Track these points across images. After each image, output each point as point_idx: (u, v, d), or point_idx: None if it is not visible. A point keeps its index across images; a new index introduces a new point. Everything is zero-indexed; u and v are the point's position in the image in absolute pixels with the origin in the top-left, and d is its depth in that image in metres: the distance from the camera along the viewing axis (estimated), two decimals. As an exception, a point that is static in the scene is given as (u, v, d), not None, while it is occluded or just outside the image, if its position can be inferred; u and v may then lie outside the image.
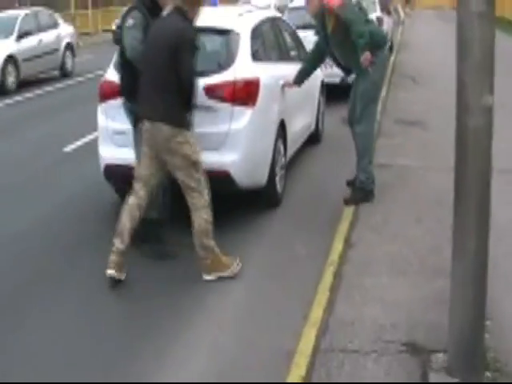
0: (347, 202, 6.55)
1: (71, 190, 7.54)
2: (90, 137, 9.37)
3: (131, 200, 5.22)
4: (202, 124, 6.03)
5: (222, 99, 6.08)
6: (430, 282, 4.88)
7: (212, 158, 6.05)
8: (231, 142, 6.10)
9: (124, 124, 6.18)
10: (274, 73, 6.93)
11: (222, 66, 6.23)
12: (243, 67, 6.25)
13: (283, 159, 7.01)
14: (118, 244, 5.13)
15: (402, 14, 26.39)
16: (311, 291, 4.86)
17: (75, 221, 6.61)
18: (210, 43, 6.47)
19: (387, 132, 9.46)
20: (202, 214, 5.10)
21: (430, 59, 17.36)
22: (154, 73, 5.05)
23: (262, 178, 6.44)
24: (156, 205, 5.51)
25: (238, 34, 6.39)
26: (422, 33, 26.02)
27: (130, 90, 5.46)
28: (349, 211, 6.38)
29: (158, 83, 5.05)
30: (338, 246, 5.59)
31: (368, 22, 6.61)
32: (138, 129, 5.48)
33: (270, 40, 7.48)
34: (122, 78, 5.80)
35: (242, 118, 6.13)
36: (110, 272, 5.10)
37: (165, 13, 5.24)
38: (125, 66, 5.68)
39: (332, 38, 6.51)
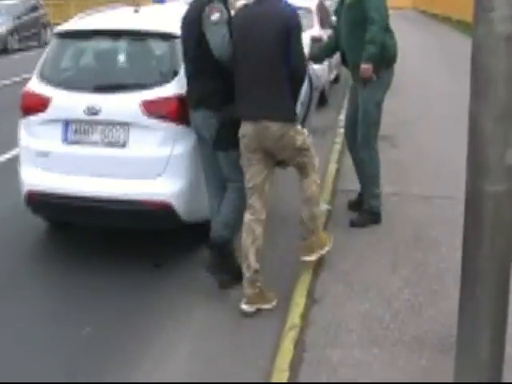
0: (354, 225, 5.84)
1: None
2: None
3: (247, 217, 4.64)
4: (139, 147, 5.05)
5: (164, 118, 5.06)
6: (414, 358, 3.94)
7: (150, 188, 5.08)
8: (173, 168, 5.11)
9: (49, 144, 5.17)
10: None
11: (164, 78, 5.19)
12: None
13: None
14: (246, 271, 4.57)
15: None
16: (267, 365, 3.89)
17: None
18: (150, 50, 5.45)
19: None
20: (314, 177, 4.77)
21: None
22: (256, 66, 4.46)
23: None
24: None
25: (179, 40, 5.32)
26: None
27: (213, 95, 4.70)
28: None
29: (262, 76, 4.47)
30: (299, 301, 4.61)
31: (388, 30, 5.52)
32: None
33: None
34: (195, 86, 4.84)
35: (187, 140, 5.11)
36: (244, 307, 4.57)
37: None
38: (205, 69, 4.71)
39: (345, 15, 5.49)
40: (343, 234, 5.61)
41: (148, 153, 5.10)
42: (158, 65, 5.33)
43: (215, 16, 4.52)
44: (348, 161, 6.64)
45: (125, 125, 5.11)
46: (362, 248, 5.45)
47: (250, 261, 4.54)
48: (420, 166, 7.66)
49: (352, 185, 6.45)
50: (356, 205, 6.15)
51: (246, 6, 4.71)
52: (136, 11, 5.82)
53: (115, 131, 5.15)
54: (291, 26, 4.45)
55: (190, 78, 4.86)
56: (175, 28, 5.28)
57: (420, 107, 10.89)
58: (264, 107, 4.47)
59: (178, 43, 5.18)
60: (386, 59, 5.52)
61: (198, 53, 4.67)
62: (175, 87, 5.09)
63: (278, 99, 4.49)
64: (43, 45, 21.32)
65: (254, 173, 4.60)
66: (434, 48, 19.34)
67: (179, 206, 5.12)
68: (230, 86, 4.60)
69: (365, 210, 5.95)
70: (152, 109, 5.05)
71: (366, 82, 5.52)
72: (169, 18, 5.68)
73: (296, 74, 4.53)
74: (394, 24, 6.12)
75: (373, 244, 5.53)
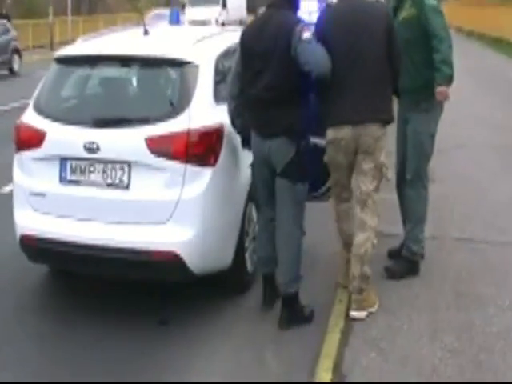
0: (392, 276, 5.20)
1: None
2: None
3: (342, 206, 4.86)
4: (143, 189, 4.47)
5: (172, 156, 4.46)
6: None
7: (156, 235, 4.51)
8: (182, 214, 4.49)
9: (44, 184, 4.64)
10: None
11: (172, 111, 4.56)
12: (202, 112, 4.60)
13: (255, 226, 5.35)
14: (352, 280, 4.61)
15: None
16: None
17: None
18: (158, 78, 4.85)
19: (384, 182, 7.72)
20: (371, 236, 4.58)
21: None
22: (362, 69, 4.44)
23: (225, 259, 4.81)
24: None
25: (196, 67, 4.71)
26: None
27: (299, 122, 4.44)
28: (341, 308, 4.74)
29: (368, 79, 4.46)
30: (323, 375, 3.94)
31: (451, 47, 4.88)
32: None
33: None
34: (274, 114, 4.43)
35: (199, 182, 4.50)
36: (354, 314, 4.55)
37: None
38: (289, 95, 4.40)
39: (399, 31, 4.80)
40: (376, 287, 4.91)
41: (153, 196, 4.50)
42: (167, 95, 4.69)
43: (307, 34, 4.29)
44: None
45: (127, 164, 4.52)
46: (397, 307, 4.75)
47: (353, 271, 4.56)
48: (461, 203, 6.93)
49: (393, 228, 5.73)
50: (396, 254, 5.45)
51: (329, 6, 4.73)
52: (146, 33, 5.22)
53: (117, 171, 4.55)
54: (391, 23, 4.58)
55: (265, 105, 4.43)
56: (188, 52, 4.71)
57: (458, 134, 10.02)
58: (368, 109, 4.46)
59: (192, 70, 4.64)
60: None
61: (282, 78, 4.35)
62: (185, 121, 4.48)
63: (382, 100, 4.53)
64: (16, 74, 20.55)
65: (342, 177, 4.72)
66: (471, 68, 18.32)
67: (189, 257, 4.50)
68: (315, 110, 4.52)
69: (403, 257, 5.28)
70: (158, 146, 4.45)
71: (426, 110, 5.00)
72: (182, 40, 5.11)
73: (397, 74, 4.61)
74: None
75: (409, 301, 4.83)
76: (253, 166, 4.73)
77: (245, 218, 5.01)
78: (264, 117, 4.47)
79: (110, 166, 4.55)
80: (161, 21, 17.54)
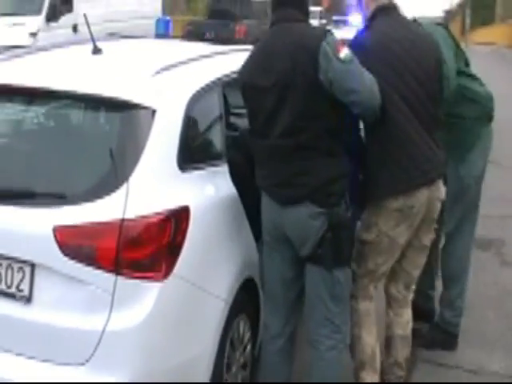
0: (424, 344, 4.21)
1: None
2: None
3: (366, 305, 3.47)
4: (53, 306, 2.74)
5: (94, 261, 2.72)
6: None
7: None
8: (109, 353, 2.76)
9: None
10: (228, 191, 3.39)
11: (100, 185, 2.82)
12: (150, 187, 2.84)
13: (247, 348, 3.58)
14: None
15: None
16: None
17: None
18: (80, 130, 3.10)
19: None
20: (410, 315, 3.62)
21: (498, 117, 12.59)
22: (420, 108, 3.26)
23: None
24: None
25: (149, 113, 2.94)
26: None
27: (333, 182, 3.08)
28: None
29: (426, 122, 3.29)
30: None
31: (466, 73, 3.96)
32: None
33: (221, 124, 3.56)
34: (294, 170, 3.11)
35: (138, 304, 2.74)
36: None
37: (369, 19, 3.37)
38: (318, 142, 3.06)
39: None
40: None
41: (67, 320, 2.77)
42: (96, 158, 2.92)
43: (345, 52, 2.98)
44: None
45: (29, 265, 2.79)
46: None
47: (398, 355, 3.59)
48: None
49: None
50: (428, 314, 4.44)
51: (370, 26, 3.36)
52: (97, 52, 3.43)
53: (14, 273, 2.85)
54: (440, 55, 3.44)
55: (285, 157, 3.10)
56: (139, 89, 3.00)
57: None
58: (439, 163, 3.35)
59: (141, 118, 2.90)
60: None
61: (308, 116, 3.02)
62: (119, 203, 2.74)
63: (440, 149, 3.36)
64: None
65: (388, 258, 3.41)
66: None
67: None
68: (354, 165, 3.20)
69: (436, 326, 4.34)
70: (73, 242, 2.73)
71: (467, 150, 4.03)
72: (140, 67, 3.36)
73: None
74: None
75: None
76: (261, 248, 3.36)
77: (225, 343, 3.24)
78: (283, 174, 3.10)
79: (4, 263, 2.84)
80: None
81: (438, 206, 3.46)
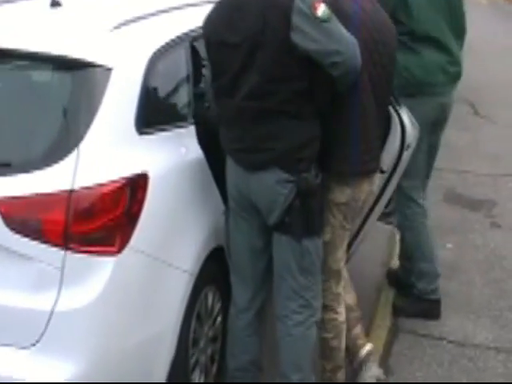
0: (398, 312, 4.16)
1: None
2: None
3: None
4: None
5: (41, 235, 2.50)
6: None
7: (13, 368, 2.58)
8: (59, 335, 2.55)
9: None
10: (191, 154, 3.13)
11: (48, 152, 2.57)
12: (103, 153, 2.60)
13: (217, 320, 3.39)
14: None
15: None
16: None
17: None
18: (27, 91, 2.80)
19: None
20: None
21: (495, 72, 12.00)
22: (378, 96, 3.00)
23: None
24: None
25: (105, 72, 2.68)
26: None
27: (304, 146, 2.86)
28: None
29: (380, 112, 3.06)
30: None
31: None
32: None
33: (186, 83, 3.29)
34: (264, 133, 2.87)
35: (89, 282, 2.52)
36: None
37: None
38: (290, 105, 2.80)
39: None
40: None
41: (12, 299, 2.55)
42: (45, 122, 2.67)
43: (322, 9, 2.67)
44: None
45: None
46: None
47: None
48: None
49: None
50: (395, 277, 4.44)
51: None
52: (55, 4, 3.16)
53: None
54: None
55: (250, 120, 2.85)
56: (94, 46, 2.75)
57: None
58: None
59: (96, 78, 2.65)
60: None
61: (277, 78, 2.76)
62: (68, 171, 2.50)
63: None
64: None
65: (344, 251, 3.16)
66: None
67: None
68: (330, 130, 2.91)
69: (412, 296, 4.20)
70: (17, 215, 2.50)
71: None
72: (97, 22, 3.09)
73: None
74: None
75: None
76: (227, 215, 3.08)
77: (191, 317, 3.04)
78: (248, 137, 2.85)
79: None
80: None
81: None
